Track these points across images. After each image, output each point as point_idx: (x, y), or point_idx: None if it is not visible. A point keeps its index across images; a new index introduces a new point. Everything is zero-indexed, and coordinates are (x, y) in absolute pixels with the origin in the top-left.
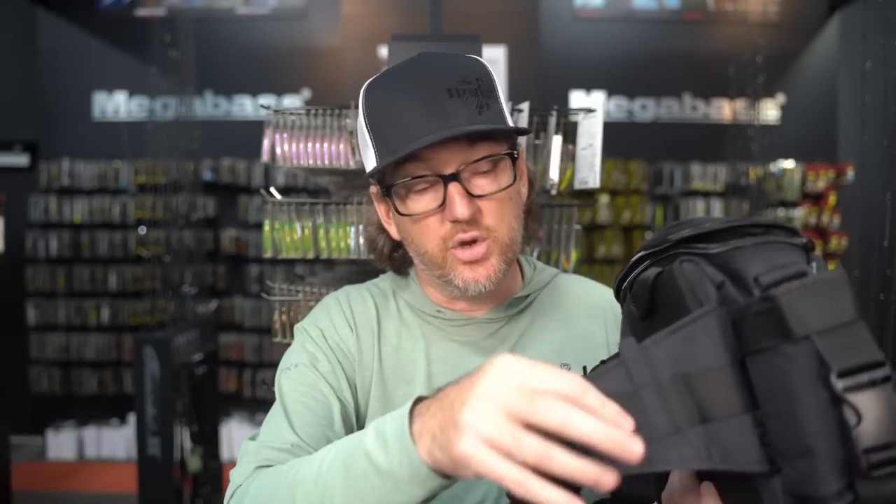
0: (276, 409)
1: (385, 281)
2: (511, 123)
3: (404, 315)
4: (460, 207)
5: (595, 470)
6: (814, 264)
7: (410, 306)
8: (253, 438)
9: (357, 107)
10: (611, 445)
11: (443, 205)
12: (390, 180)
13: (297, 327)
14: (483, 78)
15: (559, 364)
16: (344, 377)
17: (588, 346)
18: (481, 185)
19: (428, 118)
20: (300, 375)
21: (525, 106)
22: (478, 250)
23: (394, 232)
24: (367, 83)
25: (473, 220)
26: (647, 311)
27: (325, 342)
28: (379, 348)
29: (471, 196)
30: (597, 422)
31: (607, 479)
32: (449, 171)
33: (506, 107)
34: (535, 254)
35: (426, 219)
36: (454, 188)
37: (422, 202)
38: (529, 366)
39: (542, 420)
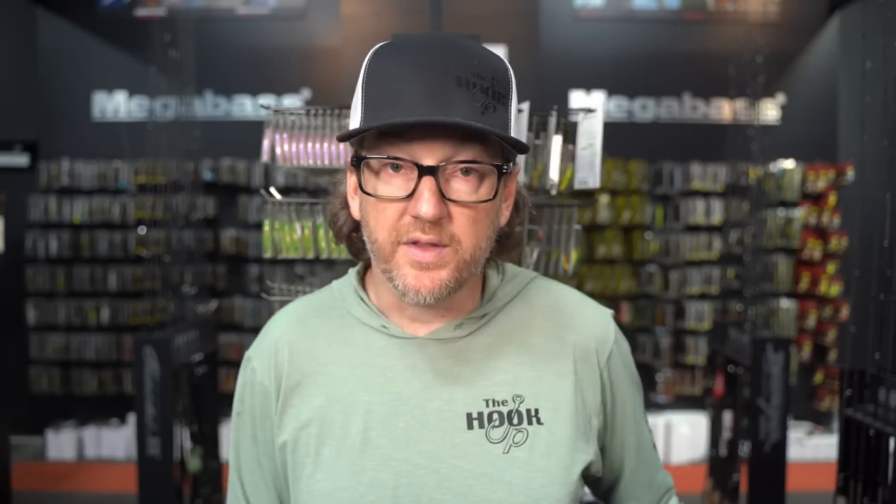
0: (233, 483)
1: (343, 287)
2: (514, 136)
3: (347, 333)
4: (427, 205)
5: None
6: None
7: (358, 320)
8: None
9: None
10: None
11: (410, 196)
12: (366, 152)
13: (245, 357)
14: (500, 79)
15: (511, 396)
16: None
17: (546, 376)
18: (458, 189)
19: (425, 98)
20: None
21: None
22: (431, 255)
23: (354, 210)
24: (379, 45)
25: (437, 224)
26: None
27: (252, 395)
28: (314, 379)
29: (443, 197)
30: None
31: None
32: (428, 162)
33: (514, 119)
34: (534, 254)
35: (388, 205)
36: (428, 182)
37: (390, 187)
38: None
39: None
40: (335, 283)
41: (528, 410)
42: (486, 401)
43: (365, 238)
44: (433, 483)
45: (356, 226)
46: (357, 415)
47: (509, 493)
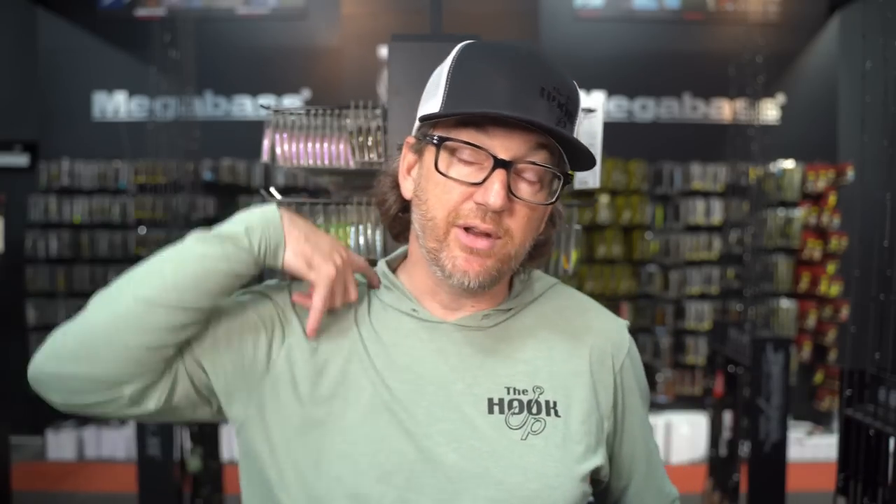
0: None
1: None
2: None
3: (377, 315)
4: (496, 196)
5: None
6: None
7: (388, 304)
8: None
9: (356, 107)
10: None
11: (480, 184)
12: (444, 134)
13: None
14: (573, 99)
15: (531, 387)
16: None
17: (564, 372)
18: (523, 189)
19: (509, 98)
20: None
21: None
22: (483, 243)
23: (406, 189)
24: (466, 43)
25: (497, 216)
26: None
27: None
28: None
29: (510, 192)
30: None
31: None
32: (504, 157)
33: (578, 136)
34: None
35: (455, 187)
36: (500, 175)
37: (461, 172)
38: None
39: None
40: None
41: (547, 402)
42: (508, 388)
43: (416, 216)
44: (451, 462)
45: (403, 207)
46: (383, 387)
47: (525, 478)
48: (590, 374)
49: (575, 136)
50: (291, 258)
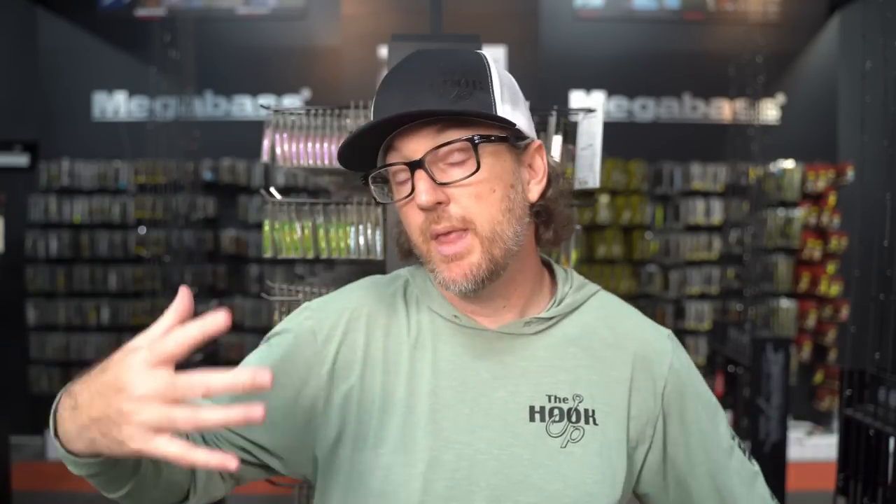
0: None
1: (416, 274)
2: (504, 114)
3: (419, 317)
4: (422, 195)
5: (240, 410)
6: None
7: (429, 307)
8: None
9: (356, 107)
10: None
11: (412, 193)
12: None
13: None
14: (472, 69)
15: (572, 395)
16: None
17: (605, 380)
18: (453, 173)
19: (397, 106)
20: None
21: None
22: (457, 246)
23: None
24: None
25: (441, 210)
26: None
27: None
28: (383, 358)
29: (436, 183)
30: (228, 375)
31: (255, 412)
32: (414, 157)
33: (500, 98)
34: None
35: (405, 208)
36: (418, 174)
37: (400, 193)
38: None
39: (186, 390)
40: (406, 270)
41: (587, 410)
42: (549, 396)
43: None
44: (492, 469)
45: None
46: (423, 395)
47: (564, 486)
48: (630, 380)
49: (497, 92)
50: (108, 453)
